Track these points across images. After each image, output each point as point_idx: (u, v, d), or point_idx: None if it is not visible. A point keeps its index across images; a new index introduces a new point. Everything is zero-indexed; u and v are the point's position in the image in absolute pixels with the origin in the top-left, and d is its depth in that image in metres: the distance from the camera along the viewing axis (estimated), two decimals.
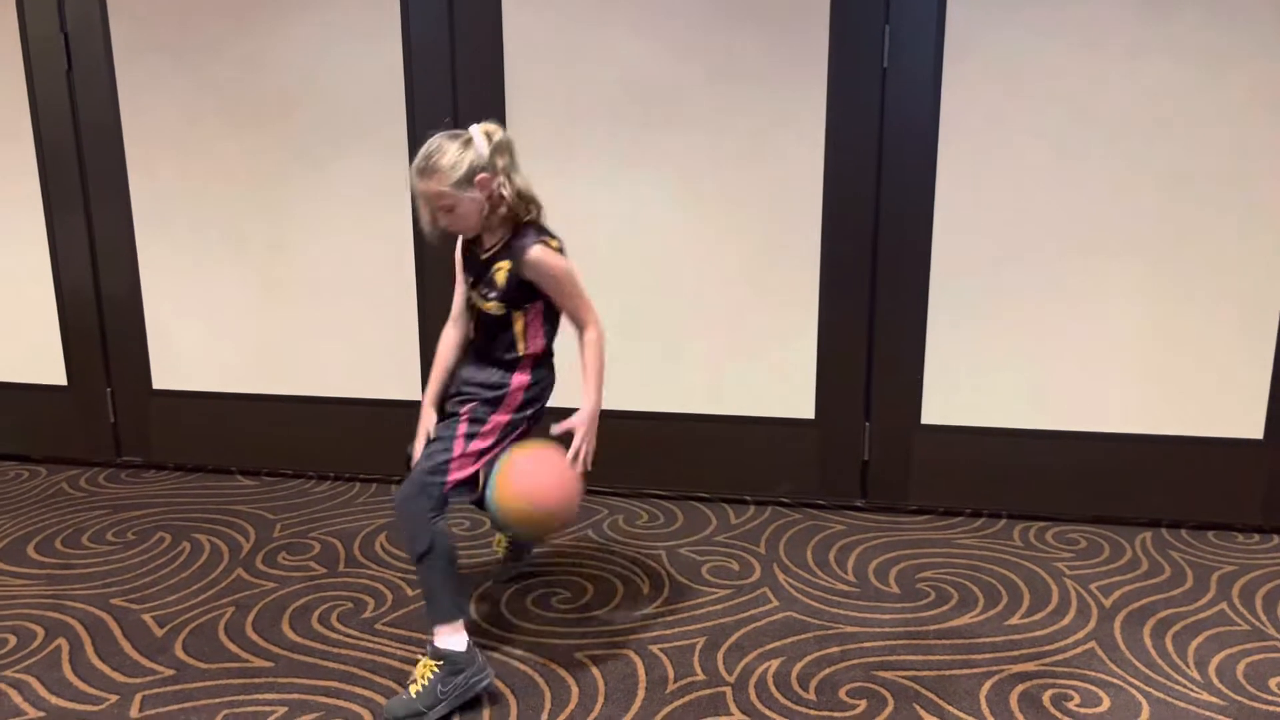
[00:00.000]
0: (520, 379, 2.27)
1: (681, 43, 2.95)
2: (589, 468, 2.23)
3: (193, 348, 3.44)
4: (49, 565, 2.83)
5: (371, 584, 2.72)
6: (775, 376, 3.13)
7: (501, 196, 2.16)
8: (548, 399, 2.33)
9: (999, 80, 2.84)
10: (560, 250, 2.23)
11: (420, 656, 2.21)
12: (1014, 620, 2.53)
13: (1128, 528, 3.05)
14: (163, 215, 3.35)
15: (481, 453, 2.23)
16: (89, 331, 3.47)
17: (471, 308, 2.31)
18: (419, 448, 2.28)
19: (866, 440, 3.15)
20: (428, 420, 2.33)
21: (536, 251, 2.17)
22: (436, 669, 2.14)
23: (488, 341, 2.28)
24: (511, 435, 2.27)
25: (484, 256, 2.25)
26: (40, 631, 2.48)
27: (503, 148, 2.16)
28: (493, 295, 2.22)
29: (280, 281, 3.33)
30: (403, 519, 2.20)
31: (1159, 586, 2.70)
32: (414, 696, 2.13)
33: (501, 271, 2.20)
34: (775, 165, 2.98)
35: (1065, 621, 2.52)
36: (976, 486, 3.13)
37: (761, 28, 2.91)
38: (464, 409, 2.26)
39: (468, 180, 2.12)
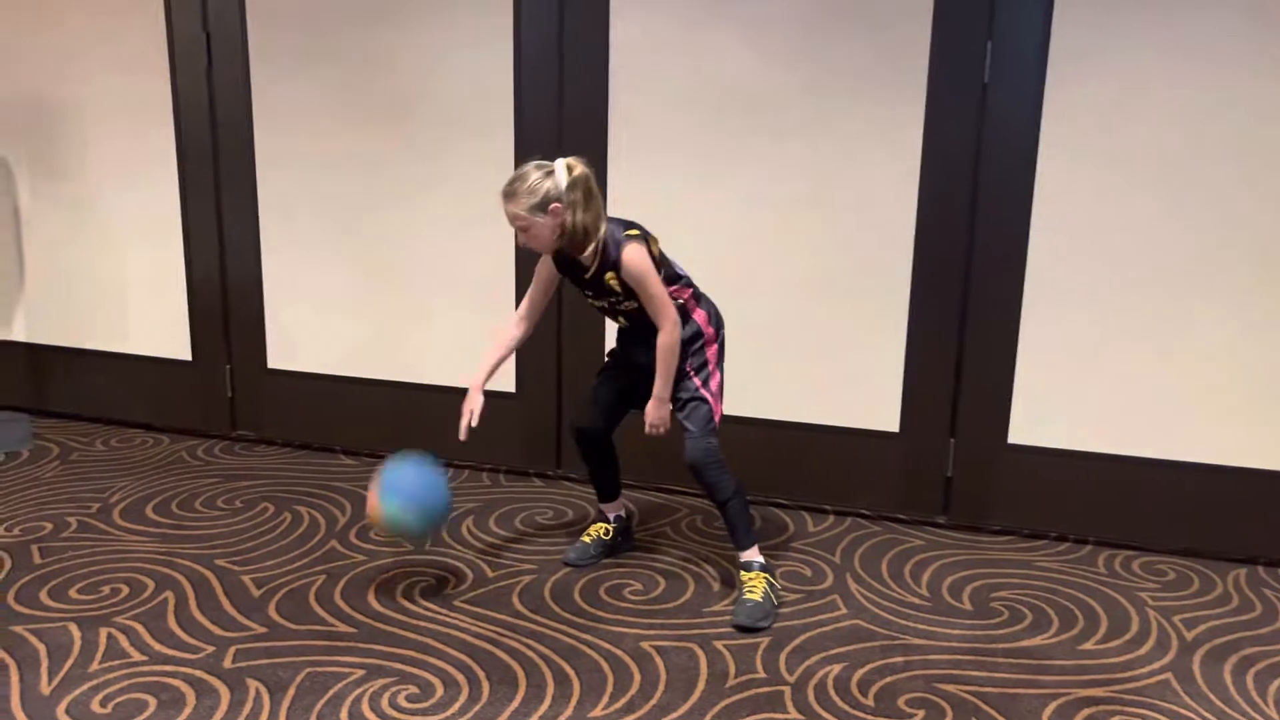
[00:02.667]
0: (698, 317, 2.60)
1: (783, 51, 3.00)
2: (661, 433, 2.60)
3: (306, 331, 3.64)
4: (164, 525, 3.05)
5: (454, 563, 2.84)
6: (860, 387, 3.14)
7: (574, 225, 2.43)
8: (717, 308, 2.66)
9: (1104, 98, 2.80)
10: (642, 234, 2.49)
11: (741, 573, 2.64)
12: (1088, 645, 2.49)
13: (1221, 563, 2.95)
14: (285, 206, 3.56)
15: (720, 385, 2.62)
16: (213, 312, 3.71)
17: (606, 312, 2.64)
18: (464, 427, 2.62)
19: (951, 457, 3.13)
20: (474, 402, 2.63)
21: (625, 254, 2.46)
22: (765, 577, 2.60)
23: (640, 321, 2.56)
24: (723, 353, 2.65)
25: (589, 275, 2.52)
26: (150, 584, 2.67)
27: (578, 182, 2.41)
28: (623, 299, 2.54)
29: (389, 272, 3.51)
30: (705, 474, 2.56)
31: (1247, 624, 2.62)
32: (761, 600, 2.55)
33: (614, 279, 2.50)
34: (870, 175, 3.01)
35: (1142, 651, 2.47)
36: (1062, 510, 3.07)
37: (862, 39, 2.94)
38: (685, 367, 2.57)
39: (541, 207, 2.40)
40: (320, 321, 3.62)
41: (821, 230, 3.08)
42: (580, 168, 2.43)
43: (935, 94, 2.91)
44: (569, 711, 2.16)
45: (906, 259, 3.03)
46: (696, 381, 2.59)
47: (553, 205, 2.40)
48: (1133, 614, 2.65)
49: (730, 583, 2.75)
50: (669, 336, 2.51)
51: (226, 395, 3.78)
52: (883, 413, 3.14)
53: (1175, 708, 2.23)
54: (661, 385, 2.56)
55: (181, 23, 3.50)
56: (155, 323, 3.80)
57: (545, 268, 2.64)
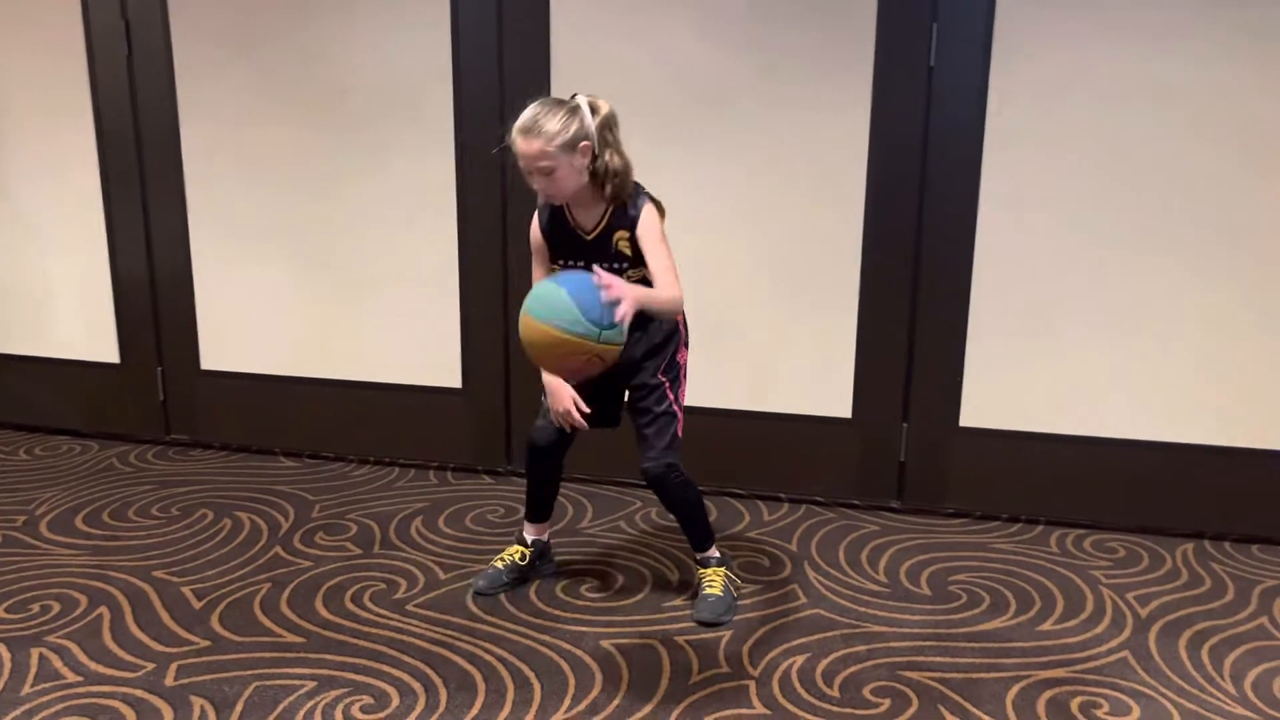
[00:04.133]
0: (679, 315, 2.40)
1: (729, 37, 2.95)
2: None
3: (240, 330, 3.51)
4: (96, 537, 2.91)
5: (405, 566, 2.75)
6: (813, 374, 3.12)
7: (607, 168, 2.21)
8: None
9: (1048, 80, 2.80)
10: (661, 209, 2.32)
11: (699, 570, 2.56)
12: (1046, 626, 2.50)
13: (1169, 538, 2.99)
14: (216, 199, 3.42)
15: (684, 396, 2.45)
16: (142, 311, 3.56)
17: None
18: (573, 412, 2.34)
19: (904, 441, 3.12)
20: (567, 390, 2.34)
21: (646, 212, 2.26)
22: (724, 571, 2.53)
23: None
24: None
25: (592, 235, 2.29)
26: (83, 600, 2.55)
27: (609, 121, 2.22)
28: (630, 265, 2.30)
29: (327, 267, 3.39)
30: (665, 490, 2.43)
31: (1198, 598, 2.65)
32: (722, 594, 2.49)
33: (624, 240, 2.27)
34: (819, 161, 2.97)
35: (1099, 629, 2.49)
36: (1014, 491, 3.09)
37: (809, 24, 2.90)
38: (661, 377, 2.38)
39: (571, 146, 2.16)
40: (256, 319, 3.49)
41: (771, 217, 3.04)
42: (606, 105, 2.22)
43: (882, 78, 2.89)
44: (530, 716, 2.10)
45: (856, 244, 3.01)
46: (670, 394, 2.40)
47: (583, 144, 2.17)
48: (1087, 593, 2.67)
49: (688, 575, 2.71)
50: (671, 293, 2.22)
51: (158, 398, 3.63)
52: (835, 399, 3.12)
53: (1135, 685, 2.25)
54: (646, 295, 2.15)
55: (99, 10, 3.33)
56: (80, 324, 3.63)
57: (535, 240, 2.37)
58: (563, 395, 2.35)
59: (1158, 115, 2.77)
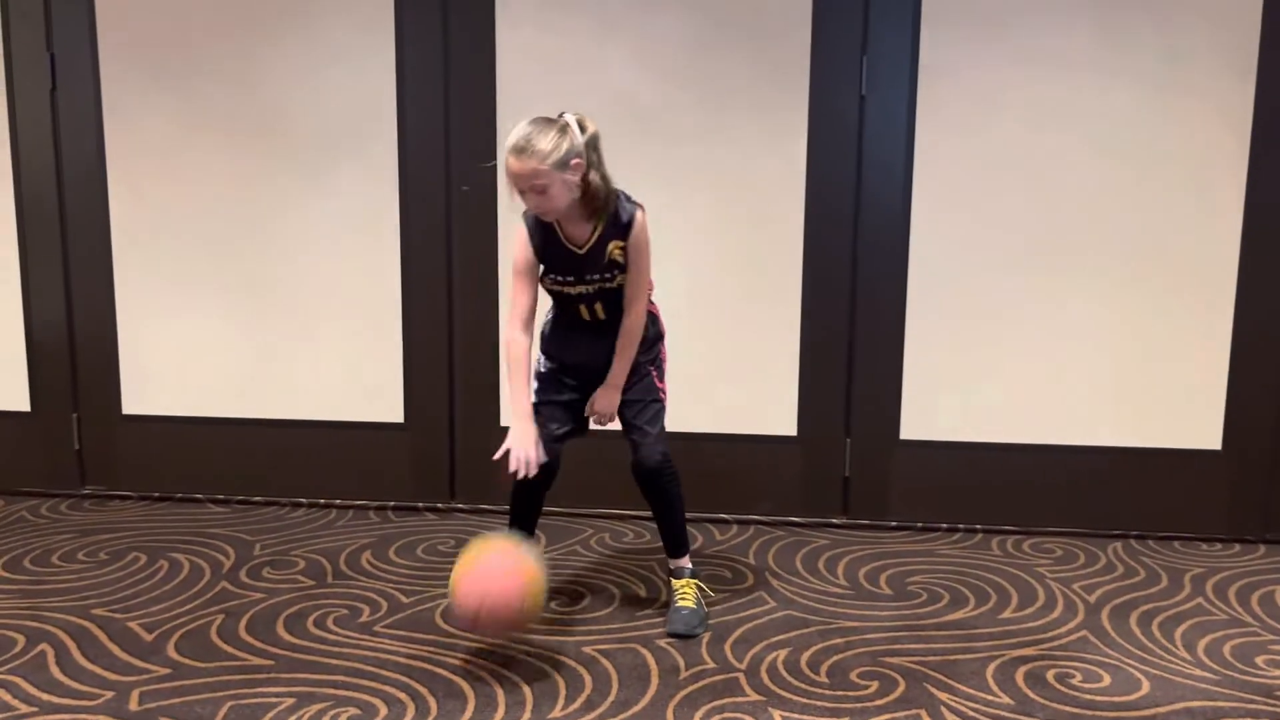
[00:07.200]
0: (655, 309, 2.53)
1: (671, 67, 3.08)
2: (605, 425, 2.51)
3: (167, 370, 3.37)
4: (20, 581, 2.72)
5: (364, 593, 2.66)
6: (758, 394, 3.20)
7: (589, 185, 2.30)
8: None
9: (969, 106, 3.01)
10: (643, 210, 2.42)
11: (672, 581, 2.56)
12: (1006, 614, 2.59)
13: (1098, 538, 3.14)
14: (142, 236, 3.31)
15: (665, 385, 2.56)
16: (57, 355, 3.38)
17: (582, 299, 2.42)
18: (534, 459, 2.35)
19: (847, 456, 3.22)
20: (530, 437, 2.36)
21: (639, 219, 2.37)
22: (696, 583, 2.55)
23: (616, 311, 2.43)
24: None
25: (586, 249, 2.37)
26: (20, 639, 2.37)
27: (595, 140, 2.31)
28: (618, 273, 2.39)
29: (261, 302, 3.31)
30: (660, 481, 2.46)
31: (1137, 586, 2.79)
32: (695, 607, 2.48)
33: (618, 249, 2.37)
34: (759, 187, 3.10)
35: (1055, 615, 2.59)
36: (953, 500, 3.21)
37: (747, 56, 3.05)
38: (647, 367, 2.49)
39: (563, 164, 2.24)
40: (184, 357, 3.36)
41: (712, 241, 3.14)
42: (592, 124, 2.31)
43: (817, 107, 3.05)
44: (527, 715, 2.05)
45: (796, 265, 3.13)
46: (657, 381, 2.50)
47: (574, 161, 2.25)
48: (1037, 587, 2.78)
49: (654, 589, 2.70)
50: (640, 318, 2.41)
51: (73, 448, 3.43)
52: (781, 417, 3.20)
53: (1100, 658, 2.35)
54: (621, 369, 2.42)
55: (21, 43, 3.23)
56: None
57: (526, 260, 2.39)
58: (528, 442, 2.35)
59: (1067, 134, 3.00)
